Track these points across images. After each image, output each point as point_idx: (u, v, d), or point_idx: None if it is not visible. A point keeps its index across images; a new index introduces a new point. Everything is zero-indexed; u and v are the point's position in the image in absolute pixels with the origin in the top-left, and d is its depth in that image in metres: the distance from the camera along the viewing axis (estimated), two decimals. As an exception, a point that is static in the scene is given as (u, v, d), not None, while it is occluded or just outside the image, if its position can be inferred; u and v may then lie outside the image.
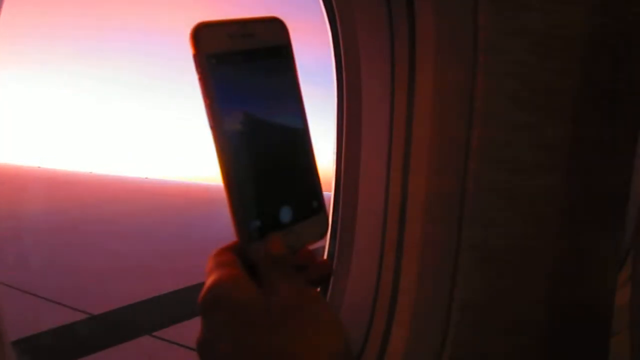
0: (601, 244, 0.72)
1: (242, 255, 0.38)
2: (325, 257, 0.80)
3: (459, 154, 0.64)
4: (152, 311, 3.34)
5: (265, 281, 0.37)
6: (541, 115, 0.63)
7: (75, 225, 5.54)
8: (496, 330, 0.67)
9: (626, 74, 0.67)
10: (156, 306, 3.39)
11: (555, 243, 0.66)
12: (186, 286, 3.51)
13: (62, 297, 3.32)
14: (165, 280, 3.75)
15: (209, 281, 0.36)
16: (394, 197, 0.70)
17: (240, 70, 0.37)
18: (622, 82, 0.67)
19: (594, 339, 0.73)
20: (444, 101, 0.64)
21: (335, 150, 0.76)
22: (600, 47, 0.63)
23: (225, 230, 0.41)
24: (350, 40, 0.70)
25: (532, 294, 0.68)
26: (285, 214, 0.39)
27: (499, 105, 0.62)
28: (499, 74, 0.62)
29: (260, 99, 0.38)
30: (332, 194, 0.78)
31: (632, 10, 0.65)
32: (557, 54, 0.61)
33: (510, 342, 0.67)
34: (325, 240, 0.79)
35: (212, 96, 0.36)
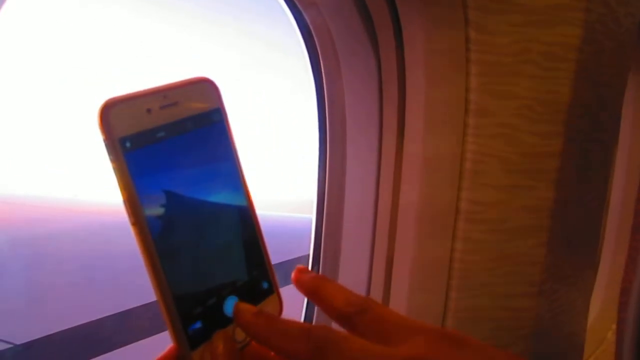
0: (576, 297, 0.74)
1: None
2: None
3: (448, 217, 0.63)
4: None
5: None
6: (528, 177, 0.63)
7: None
8: None
9: (599, 135, 0.70)
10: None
11: (537, 302, 0.67)
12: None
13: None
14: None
15: None
16: (379, 262, 0.68)
17: (164, 149, 0.31)
18: (596, 143, 0.70)
19: None
20: (435, 160, 0.63)
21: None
22: (580, 110, 0.65)
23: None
24: (336, 103, 0.68)
25: (512, 347, 0.68)
26: (231, 305, 0.34)
27: (487, 167, 0.62)
28: (487, 136, 0.62)
29: (191, 179, 0.33)
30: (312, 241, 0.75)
31: (606, 77, 0.68)
32: (543, 117, 0.62)
33: None
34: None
35: (130, 189, 0.30)
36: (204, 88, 0.34)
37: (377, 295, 0.68)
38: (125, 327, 3.16)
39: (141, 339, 2.93)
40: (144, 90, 0.31)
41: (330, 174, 0.71)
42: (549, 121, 0.62)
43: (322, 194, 0.72)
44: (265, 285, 0.36)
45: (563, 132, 0.63)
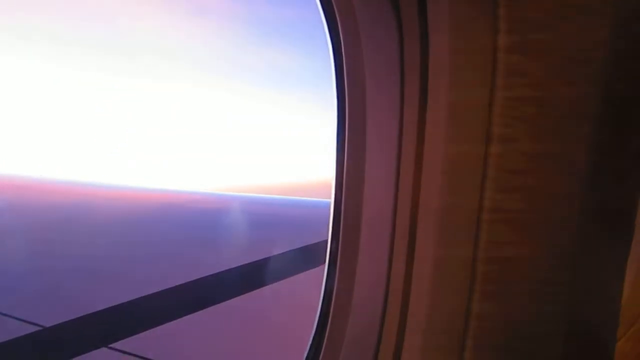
0: (609, 268, 0.70)
1: None
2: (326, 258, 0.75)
3: (474, 183, 0.60)
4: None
5: None
6: (560, 142, 0.59)
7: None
8: (512, 347, 0.64)
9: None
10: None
11: (569, 273, 0.63)
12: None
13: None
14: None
15: None
16: (403, 214, 0.65)
17: None
18: (636, 103, 0.65)
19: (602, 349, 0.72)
20: (459, 123, 0.59)
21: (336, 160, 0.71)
22: (617, 69, 0.60)
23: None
24: (356, 66, 0.65)
25: (546, 323, 0.65)
26: None
27: (517, 132, 0.59)
28: (516, 98, 0.58)
29: None
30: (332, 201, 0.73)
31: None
32: (577, 78, 0.58)
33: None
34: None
35: None
36: None
37: (396, 289, 0.66)
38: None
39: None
40: None
41: (349, 153, 0.69)
42: (583, 82, 0.58)
43: (340, 183, 0.69)
44: None
45: (598, 93, 0.59)
